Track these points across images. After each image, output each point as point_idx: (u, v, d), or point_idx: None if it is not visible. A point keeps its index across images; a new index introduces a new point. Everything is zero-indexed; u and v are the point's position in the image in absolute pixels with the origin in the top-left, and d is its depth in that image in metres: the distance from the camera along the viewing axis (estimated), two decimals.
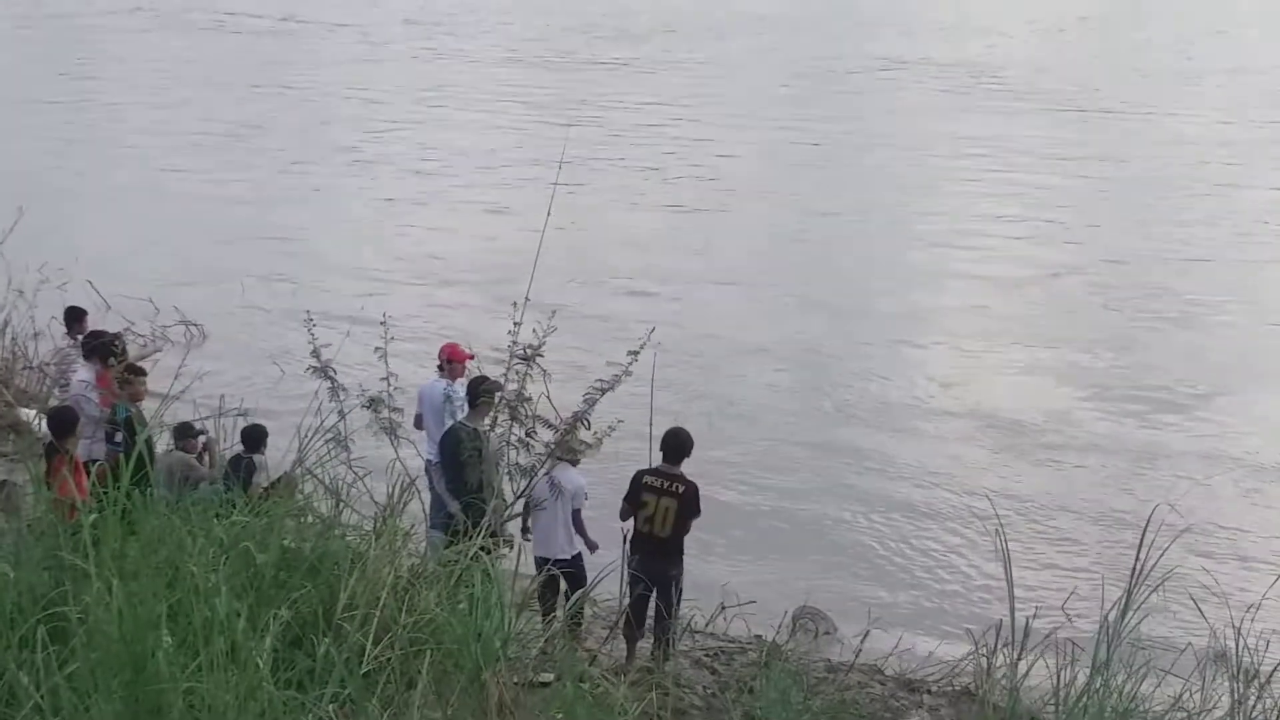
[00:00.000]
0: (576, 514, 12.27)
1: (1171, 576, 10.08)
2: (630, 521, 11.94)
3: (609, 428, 11.60)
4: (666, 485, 11.77)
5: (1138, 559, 9.59)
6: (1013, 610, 10.21)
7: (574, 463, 12.25)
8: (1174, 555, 10.10)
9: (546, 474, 11.92)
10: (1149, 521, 9.72)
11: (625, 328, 20.43)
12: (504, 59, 59.58)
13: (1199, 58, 59.32)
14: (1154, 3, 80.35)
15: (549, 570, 11.68)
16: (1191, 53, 60.97)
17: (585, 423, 11.75)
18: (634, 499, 11.87)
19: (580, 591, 11.96)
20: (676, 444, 11.94)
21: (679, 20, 73.77)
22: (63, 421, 12.05)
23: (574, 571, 12.25)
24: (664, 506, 11.72)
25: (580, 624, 11.98)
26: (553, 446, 11.86)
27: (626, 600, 12.05)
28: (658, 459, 11.99)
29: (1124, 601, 9.64)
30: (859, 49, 62.06)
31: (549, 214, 13.45)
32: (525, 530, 12.24)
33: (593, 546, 12.43)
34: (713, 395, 19.71)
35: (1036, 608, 11.88)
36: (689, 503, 11.77)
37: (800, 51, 61.84)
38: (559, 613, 11.77)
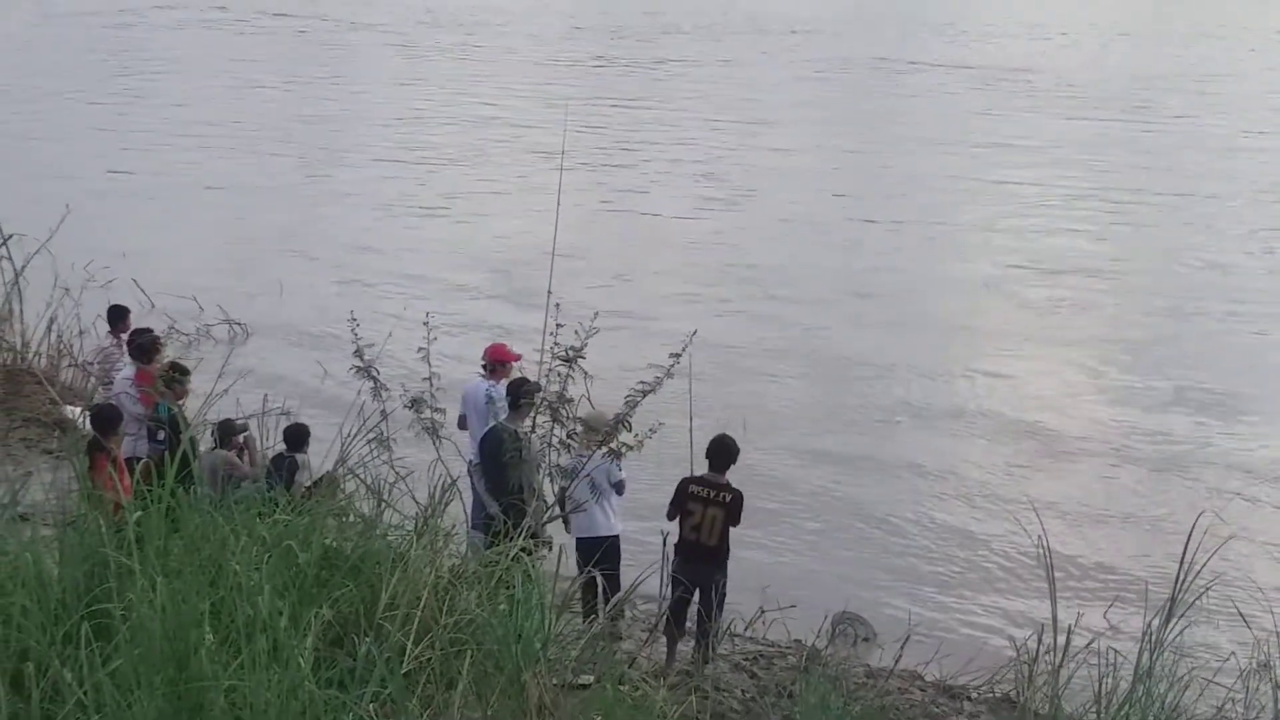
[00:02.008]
0: (620, 484, 12.32)
1: (1215, 585, 10.02)
2: (675, 524, 11.97)
3: (650, 430, 11.60)
4: (713, 494, 11.79)
5: (1181, 567, 9.54)
6: (1055, 617, 10.17)
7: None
8: (1218, 563, 10.04)
9: (584, 469, 11.92)
10: (1193, 529, 9.66)
11: (663, 329, 20.51)
12: (539, 58, 59.82)
13: (1246, 68, 59.06)
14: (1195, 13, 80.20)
15: (588, 571, 11.68)
16: (1238, 63, 60.72)
17: (627, 424, 11.73)
18: (680, 506, 11.89)
19: (620, 594, 11.96)
20: (723, 451, 11.95)
21: (712, 21, 73.93)
22: (106, 419, 12.14)
23: (609, 554, 12.23)
24: (711, 515, 11.76)
25: (618, 620, 11.97)
26: (584, 435, 11.84)
27: (667, 602, 12.06)
28: (700, 464, 11.99)
29: (1167, 609, 9.59)
30: (897, 50, 62.10)
31: (557, 219, 13.41)
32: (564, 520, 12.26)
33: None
34: (748, 399, 19.62)
35: (1079, 614, 11.81)
36: (734, 511, 11.79)
37: (836, 52, 61.92)
38: (599, 613, 11.76)
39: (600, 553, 12.06)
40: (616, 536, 12.41)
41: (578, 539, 12.35)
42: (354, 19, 74.39)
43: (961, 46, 65.45)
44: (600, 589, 12.02)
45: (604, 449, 11.77)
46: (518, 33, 69.25)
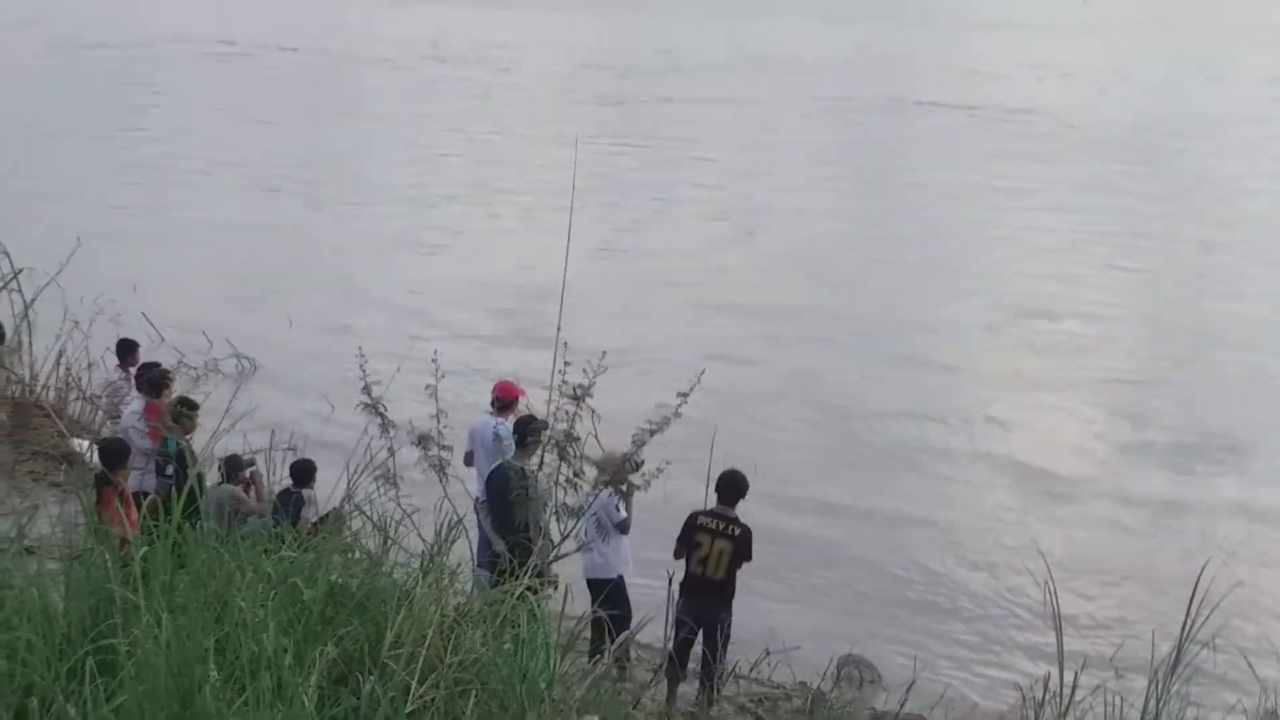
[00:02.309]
0: (624, 524, 12.30)
1: (1222, 632, 9.99)
2: (681, 562, 11.95)
3: (658, 469, 11.60)
4: (722, 527, 11.78)
5: (1188, 615, 9.51)
6: (1061, 663, 10.15)
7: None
8: (1225, 611, 10.00)
9: (590, 509, 11.92)
10: (1200, 577, 9.64)
11: (668, 367, 20.55)
12: (544, 94, 60.14)
13: (1253, 111, 59.30)
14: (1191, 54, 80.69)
15: (593, 611, 11.65)
16: (1244, 106, 61.00)
17: (634, 464, 11.73)
18: (688, 540, 11.88)
19: (626, 633, 11.94)
20: (732, 485, 11.96)
21: (716, 60, 74.35)
22: (114, 453, 12.16)
23: (612, 597, 12.21)
24: (718, 549, 11.75)
25: (625, 666, 11.93)
26: (598, 475, 11.84)
27: (671, 642, 12.03)
28: (711, 498, 12.00)
29: (1174, 657, 9.55)
30: (901, 89, 62.42)
31: (567, 257, 13.42)
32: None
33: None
34: (752, 440, 19.58)
35: (1084, 661, 11.78)
36: (743, 546, 11.78)
37: (841, 91, 62.23)
38: (606, 650, 11.73)
39: (605, 593, 12.05)
40: (621, 577, 12.40)
41: (586, 579, 12.36)
42: (360, 53, 74.86)
43: (965, 87, 65.65)
44: (606, 629, 11.99)
45: (607, 487, 11.78)
46: (523, 69, 69.61)
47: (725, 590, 11.83)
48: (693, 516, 11.97)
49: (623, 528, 12.34)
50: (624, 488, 12.07)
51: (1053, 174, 42.95)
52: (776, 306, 26.90)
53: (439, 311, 26.07)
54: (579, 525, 11.88)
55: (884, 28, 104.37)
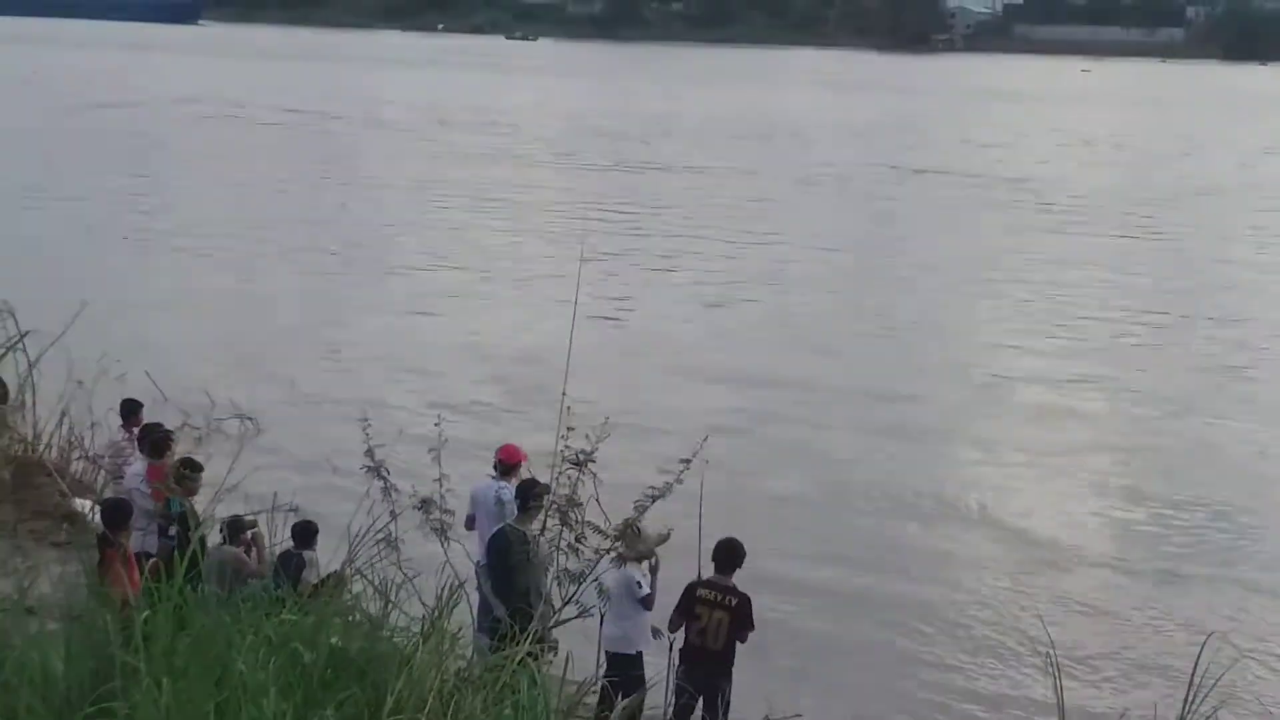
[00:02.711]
0: (646, 600, 12.21)
1: (1225, 705, 9.96)
2: (680, 632, 11.93)
3: (664, 530, 11.63)
4: (719, 598, 11.77)
5: (1192, 681, 9.49)
6: None
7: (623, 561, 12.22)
8: (1224, 689, 9.98)
9: (595, 580, 11.90)
10: (1202, 649, 9.63)
11: (665, 432, 20.61)
12: (545, 158, 60.63)
13: (1247, 177, 59.83)
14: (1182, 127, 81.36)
15: (599, 678, 11.63)
16: (1237, 173, 61.57)
17: (636, 530, 11.75)
18: (686, 611, 11.86)
19: (628, 699, 11.89)
20: (729, 554, 11.95)
21: (709, 127, 74.95)
22: (117, 514, 12.15)
23: (632, 671, 12.17)
24: (717, 619, 11.73)
25: None
26: (609, 549, 11.83)
27: (671, 709, 11.99)
28: (707, 567, 11.97)
29: None
30: (897, 158, 62.96)
31: (573, 324, 13.49)
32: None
33: (656, 634, 12.32)
34: (756, 505, 19.55)
35: None
36: (742, 615, 11.76)
37: (838, 157, 62.77)
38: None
39: (621, 669, 12.06)
40: (639, 654, 12.33)
41: (605, 651, 12.31)
42: (359, 116, 75.57)
43: (963, 155, 66.18)
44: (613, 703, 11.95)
45: (616, 556, 11.78)
46: (524, 135, 70.15)
47: (725, 659, 11.82)
48: (691, 587, 11.95)
49: (646, 604, 12.26)
50: (651, 562, 12.08)
51: (1050, 243, 43.31)
52: (769, 376, 26.92)
53: (442, 374, 26.13)
54: (587, 592, 11.85)
55: (884, 97, 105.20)
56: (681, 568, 12.35)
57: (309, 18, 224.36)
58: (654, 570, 12.12)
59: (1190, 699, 9.41)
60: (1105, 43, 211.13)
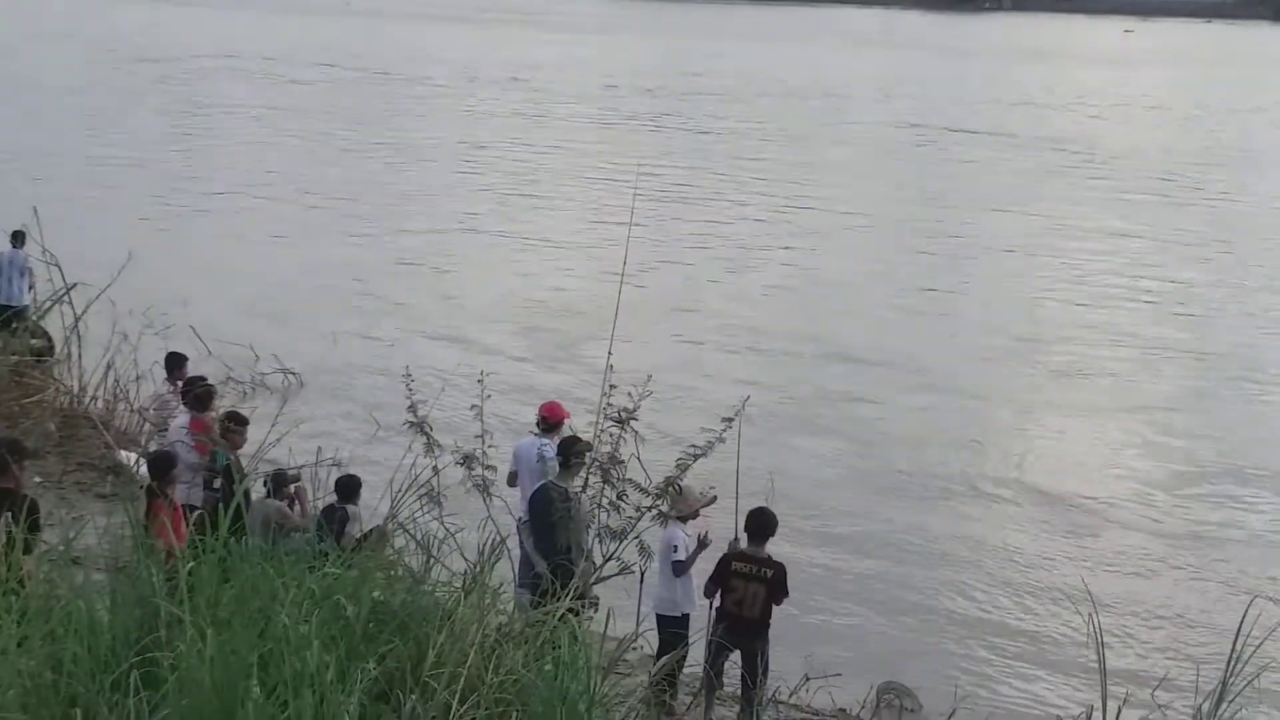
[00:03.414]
0: (677, 565, 12.25)
1: (1269, 669, 9.91)
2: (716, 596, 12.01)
3: (706, 490, 11.64)
4: (755, 570, 11.82)
5: (1234, 648, 9.44)
6: (1104, 695, 10.07)
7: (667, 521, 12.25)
8: (1272, 646, 9.92)
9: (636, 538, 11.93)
10: (1247, 610, 9.57)
11: (717, 390, 20.59)
12: (580, 116, 60.57)
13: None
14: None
15: (635, 635, 11.67)
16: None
17: (677, 488, 11.77)
18: (721, 583, 11.91)
19: (668, 655, 11.94)
20: (762, 524, 11.98)
21: (745, 85, 74.75)
22: (162, 465, 12.24)
23: (675, 633, 12.23)
24: (753, 591, 11.81)
25: (672, 690, 11.92)
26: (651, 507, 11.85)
27: (708, 662, 12.05)
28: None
29: (1219, 692, 9.49)
30: (932, 118, 62.71)
31: (621, 283, 13.49)
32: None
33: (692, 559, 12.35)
34: (794, 466, 19.54)
35: (1126, 694, 11.69)
36: (777, 585, 11.80)
37: (873, 117, 62.54)
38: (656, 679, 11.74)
39: (663, 629, 12.14)
40: (685, 616, 12.37)
41: (655, 613, 12.38)
42: (398, 73, 75.74)
43: (1004, 116, 65.73)
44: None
45: (659, 514, 11.81)
46: (553, 91, 70.06)
47: (761, 625, 11.89)
48: (725, 560, 11.98)
49: (675, 569, 12.28)
50: (702, 536, 12.10)
51: (1088, 204, 42.97)
52: (807, 336, 26.86)
53: (484, 331, 26.15)
54: (628, 549, 11.89)
55: (923, 56, 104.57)
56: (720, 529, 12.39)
57: None
58: (702, 544, 12.11)
59: (1233, 662, 9.36)
60: (1154, 3, 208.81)
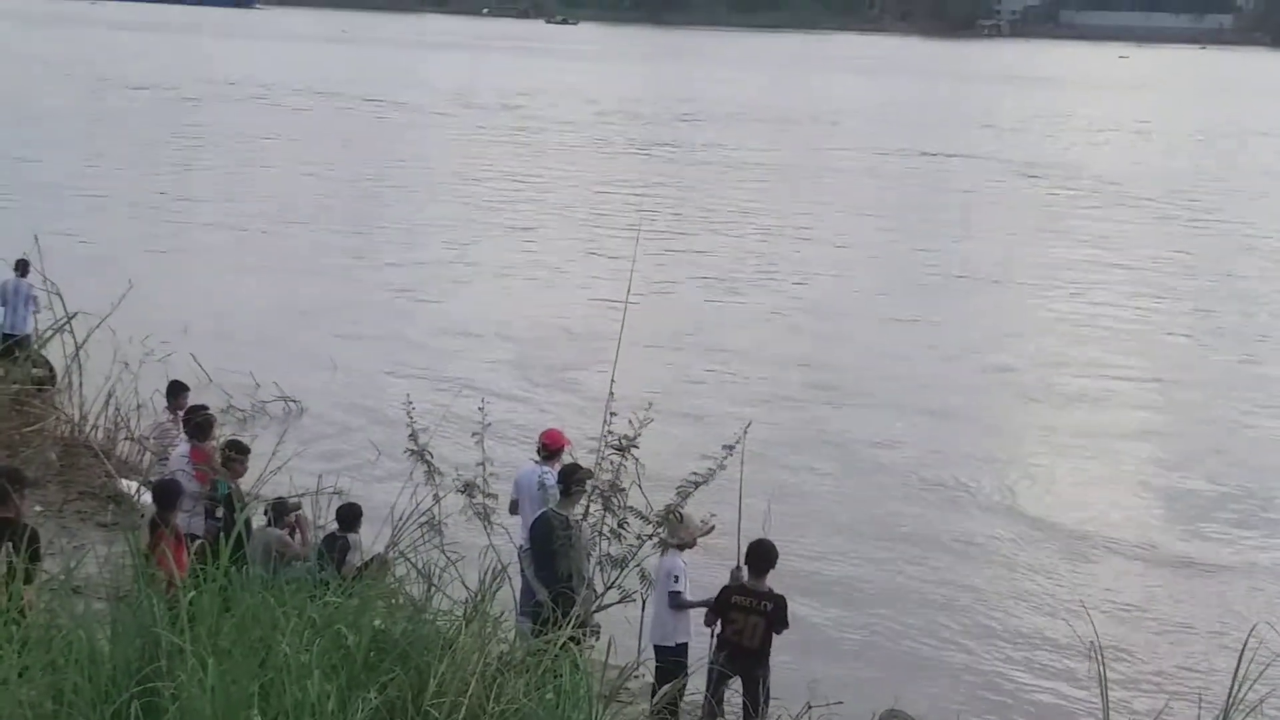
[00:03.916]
0: (673, 596, 12.22)
1: (1272, 695, 9.89)
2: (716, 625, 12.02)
3: (707, 517, 11.63)
4: (754, 604, 11.84)
5: (1235, 679, 9.43)
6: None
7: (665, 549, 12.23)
8: (1270, 679, 9.91)
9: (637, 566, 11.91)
10: (1247, 640, 9.56)
11: (716, 419, 20.57)
12: (573, 142, 60.83)
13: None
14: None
15: (638, 661, 11.65)
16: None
17: (678, 515, 11.75)
18: (720, 614, 11.92)
19: (670, 684, 11.91)
20: (763, 556, 11.97)
21: (737, 111, 74.90)
22: (167, 494, 12.22)
23: (674, 662, 12.21)
24: (752, 624, 11.82)
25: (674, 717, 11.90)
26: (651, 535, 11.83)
27: (708, 689, 12.03)
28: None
29: (1223, 717, 9.48)
30: (929, 144, 62.89)
31: (625, 309, 13.52)
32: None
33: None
34: (794, 491, 19.50)
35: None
36: (777, 618, 11.81)
37: (869, 144, 62.74)
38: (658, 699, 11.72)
39: (661, 659, 12.11)
40: (682, 645, 12.34)
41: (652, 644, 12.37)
42: (393, 99, 75.99)
43: (999, 142, 65.96)
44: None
45: (659, 542, 11.79)
46: (548, 117, 70.27)
47: (762, 654, 11.91)
48: (725, 592, 12.00)
49: (672, 600, 12.26)
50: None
51: (1088, 229, 43.07)
52: (805, 362, 26.85)
53: (482, 359, 26.13)
54: (629, 577, 11.87)
55: (921, 83, 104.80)
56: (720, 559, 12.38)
57: (355, 1, 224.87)
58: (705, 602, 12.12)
59: (1235, 689, 9.35)
60: (1152, 29, 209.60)
